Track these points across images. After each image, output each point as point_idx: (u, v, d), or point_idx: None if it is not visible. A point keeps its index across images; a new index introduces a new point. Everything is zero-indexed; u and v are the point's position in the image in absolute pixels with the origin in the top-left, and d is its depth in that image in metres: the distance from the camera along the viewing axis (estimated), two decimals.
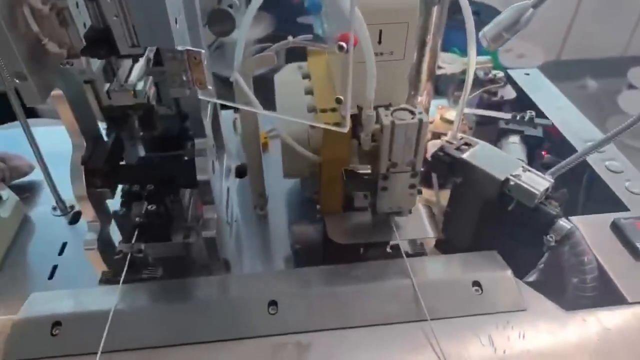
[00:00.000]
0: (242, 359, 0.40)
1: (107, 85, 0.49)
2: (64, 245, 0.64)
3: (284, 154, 0.54)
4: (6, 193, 0.66)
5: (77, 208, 0.70)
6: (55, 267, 0.61)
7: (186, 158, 0.53)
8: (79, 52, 0.44)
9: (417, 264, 0.46)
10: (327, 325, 0.41)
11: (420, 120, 0.42)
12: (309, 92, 0.51)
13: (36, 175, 0.75)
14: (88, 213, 0.53)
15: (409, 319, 0.42)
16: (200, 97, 0.45)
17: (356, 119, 0.44)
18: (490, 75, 0.70)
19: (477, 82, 0.71)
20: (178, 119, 0.58)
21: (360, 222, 0.50)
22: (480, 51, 0.56)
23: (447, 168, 0.52)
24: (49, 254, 0.63)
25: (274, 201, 0.71)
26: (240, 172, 0.74)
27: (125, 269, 0.45)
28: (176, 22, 0.41)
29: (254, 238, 0.67)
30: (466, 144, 0.53)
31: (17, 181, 0.73)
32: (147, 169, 0.54)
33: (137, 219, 0.49)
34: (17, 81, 0.42)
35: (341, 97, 0.38)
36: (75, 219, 0.68)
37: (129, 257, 0.47)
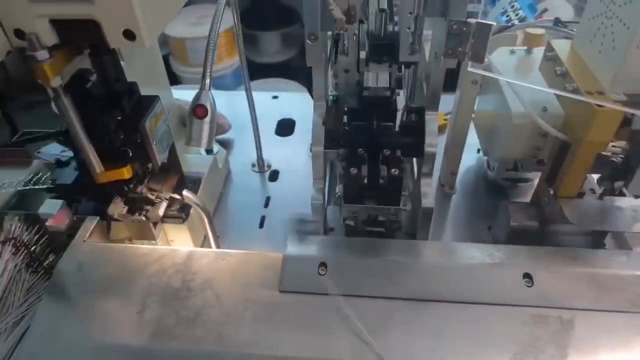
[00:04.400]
0: (502, 323, 0.41)
1: (363, 53, 0.53)
2: (268, 199, 0.70)
3: (513, 134, 0.55)
4: (217, 147, 0.73)
5: (273, 167, 0.76)
6: (263, 218, 0.67)
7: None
8: (354, 20, 0.47)
9: None
10: (587, 305, 0.42)
11: None
12: (561, 74, 0.50)
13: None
14: (317, 171, 0.57)
15: None
16: (470, 69, 0.47)
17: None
18: None
19: None
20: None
21: (598, 208, 0.49)
22: None
23: None
24: (254, 205, 0.69)
25: None
26: None
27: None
28: None
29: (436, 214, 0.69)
30: None
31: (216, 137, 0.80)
32: (376, 136, 0.57)
33: (380, 180, 0.52)
34: (308, 42, 0.47)
35: None
36: (274, 176, 0.74)
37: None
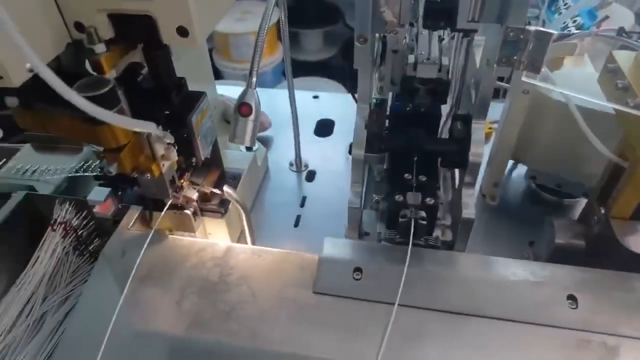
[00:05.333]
0: (543, 343, 0.40)
1: (411, 57, 0.52)
2: (304, 198, 0.70)
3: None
4: (256, 144, 0.74)
5: (310, 167, 0.76)
6: (299, 217, 0.67)
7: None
8: (404, 22, 0.47)
9: None
10: (634, 333, 0.40)
11: None
12: (623, 88, 0.48)
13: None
14: (356, 174, 0.57)
15: None
16: (524, 79, 0.45)
17: None
18: None
19: None
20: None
21: None
22: None
23: None
24: (290, 204, 0.69)
25: None
26: None
27: (412, 232, 0.48)
28: None
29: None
30: None
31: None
32: (418, 142, 0.56)
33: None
34: (357, 44, 0.46)
35: None
36: (311, 176, 0.74)
37: (413, 221, 0.49)
